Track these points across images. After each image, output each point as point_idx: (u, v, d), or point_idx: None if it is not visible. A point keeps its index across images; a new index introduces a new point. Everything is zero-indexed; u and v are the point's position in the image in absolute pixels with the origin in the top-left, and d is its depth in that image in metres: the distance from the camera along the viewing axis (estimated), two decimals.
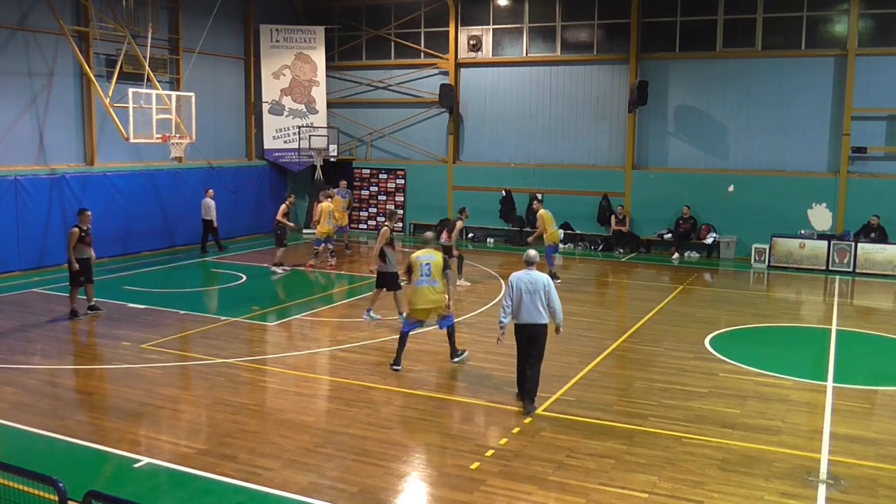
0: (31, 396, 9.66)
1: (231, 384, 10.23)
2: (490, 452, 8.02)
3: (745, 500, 7.06)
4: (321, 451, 8.04)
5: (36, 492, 5.10)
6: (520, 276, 9.27)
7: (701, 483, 7.37)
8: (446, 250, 16.15)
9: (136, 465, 7.67)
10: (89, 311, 13.89)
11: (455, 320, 11.36)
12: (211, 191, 21.38)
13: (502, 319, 9.25)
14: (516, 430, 8.66)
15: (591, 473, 7.56)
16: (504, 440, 8.37)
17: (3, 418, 8.85)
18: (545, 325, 9.25)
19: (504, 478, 7.44)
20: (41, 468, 5.22)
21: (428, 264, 10.71)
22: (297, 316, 14.19)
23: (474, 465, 7.70)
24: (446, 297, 10.82)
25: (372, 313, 13.74)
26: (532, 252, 9.51)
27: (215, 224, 21.04)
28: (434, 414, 9.24)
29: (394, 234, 13.73)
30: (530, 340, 9.23)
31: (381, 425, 8.78)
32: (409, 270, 10.84)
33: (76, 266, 13.54)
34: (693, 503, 6.99)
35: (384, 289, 13.60)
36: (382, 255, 13.33)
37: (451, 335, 11.12)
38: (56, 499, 4.65)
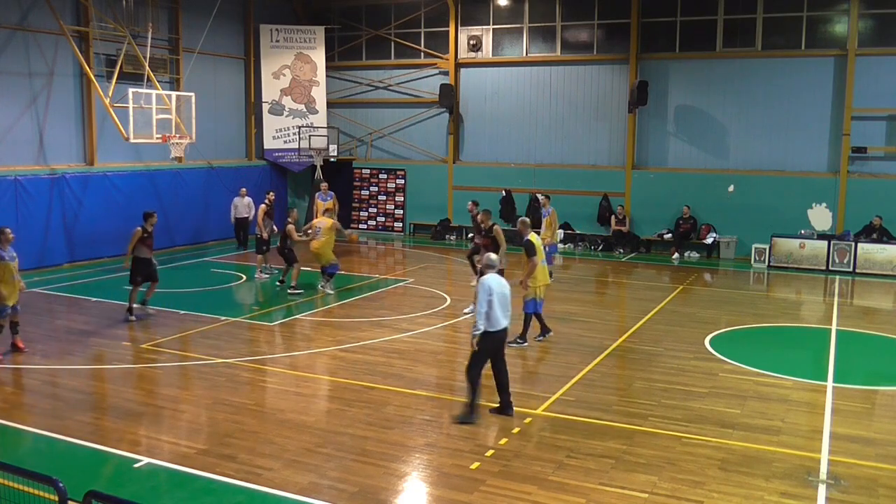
0: (31, 396, 9.66)
1: (231, 384, 10.23)
2: (490, 452, 8.02)
3: (745, 500, 7.06)
4: (321, 451, 8.03)
5: (36, 492, 5.11)
6: (496, 280, 8.83)
7: (701, 483, 7.37)
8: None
9: (136, 465, 7.67)
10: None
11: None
12: (244, 189, 22.17)
13: (480, 326, 8.64)
14: (516, 430, 8.66)
15: (591, 473, 7.56)
16: (504, 440, 8.37)
17: (3, 418, 8.84)
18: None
19: (504, 478, 7.44)
20: (41, 468, 5.23)
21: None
22: (298, 316, 14.19)
23: (474, 465, 7.70)
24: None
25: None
26: (494, 256, 9.35)
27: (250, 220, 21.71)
28: (434, 414, 9.23)
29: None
30: (502, 344, 9.02)
31: (381, 425, 8.77)
32: (534, 252, 11.86)
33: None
34: (693, 503, 6.99)
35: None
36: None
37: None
38: (56, 499, 4.64)
